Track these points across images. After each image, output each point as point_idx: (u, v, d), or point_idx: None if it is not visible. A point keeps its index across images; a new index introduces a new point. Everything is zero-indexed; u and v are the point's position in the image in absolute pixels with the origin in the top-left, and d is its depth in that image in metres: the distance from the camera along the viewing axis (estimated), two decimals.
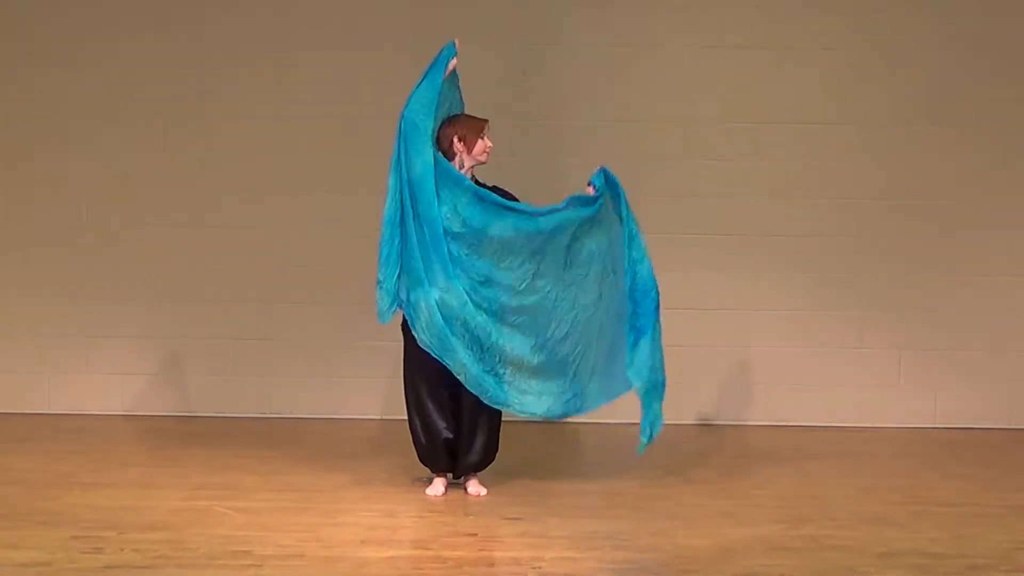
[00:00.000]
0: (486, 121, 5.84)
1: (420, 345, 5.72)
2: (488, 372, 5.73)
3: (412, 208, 5.71)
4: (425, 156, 5.69)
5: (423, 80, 5.74)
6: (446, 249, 5.69)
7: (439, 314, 5.66)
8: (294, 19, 7.82)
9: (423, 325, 5.70)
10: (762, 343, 7.84)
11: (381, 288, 5.75)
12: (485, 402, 5.73)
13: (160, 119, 7.82)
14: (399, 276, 5.75)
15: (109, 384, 7.85)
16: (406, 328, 5.80)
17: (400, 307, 5.78)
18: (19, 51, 7.83)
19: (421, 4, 7.79)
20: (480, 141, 5.81)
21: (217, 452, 6.70)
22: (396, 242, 5.74)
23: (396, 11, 7.80)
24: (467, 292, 5.70)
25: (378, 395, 7.80)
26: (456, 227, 5.71)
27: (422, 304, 5.68)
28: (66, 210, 7.84)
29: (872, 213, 7.81)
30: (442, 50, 5.78)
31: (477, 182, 5.83)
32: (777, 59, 7.79)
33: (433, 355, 5.69)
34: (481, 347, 5.72)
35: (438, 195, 5.70)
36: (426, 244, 5.69)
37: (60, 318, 7.85)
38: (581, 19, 7.78)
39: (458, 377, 5.70)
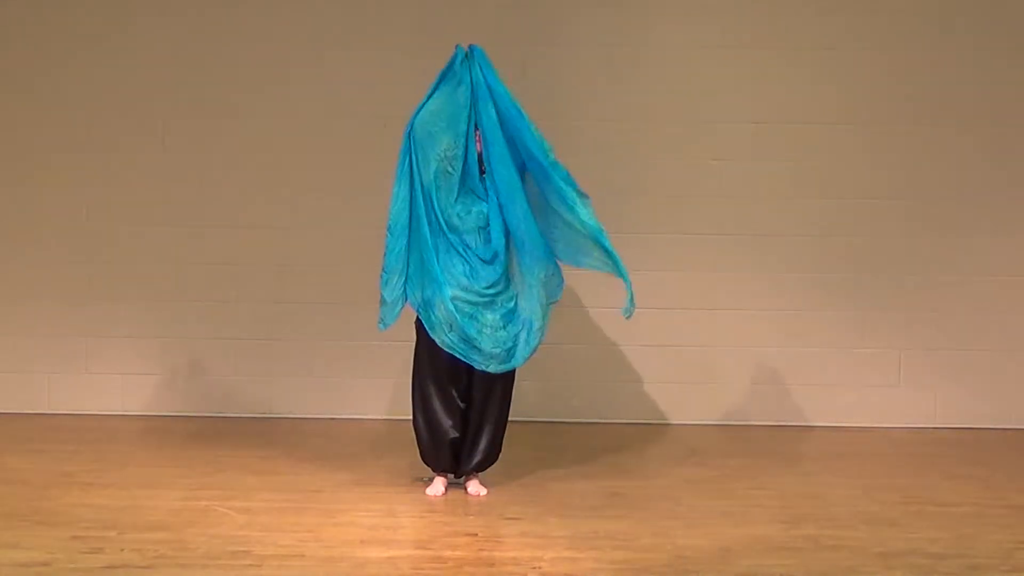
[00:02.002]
0: None
1: (442, 346, 5.75)
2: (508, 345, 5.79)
3: (427, 212, 5.74)
4: (436, 164, 5.74)
5: (434, 90, 5.79)
6: (462, 247, 5.75)
7: (456, 313, 5.69)
8: (294, 19, 7.82)
9: (444, 327, 5.74)
10: (762, 343, 7.84)
11: (383, 298, 5.82)
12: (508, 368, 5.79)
13: (160, 119, 7.82)
14: (406, 282, 5.79)
15: (109, 384, 7.85)
16: (419, 325, 5.83)
17: (415, 308, 5.83)
18: (19, 52, 7.83)
19: (421, 4, 7.80)
20: None
21: (217, 452, 6.70)
22: (402, 250, 5.77)
23: (396, 11, 7.80)
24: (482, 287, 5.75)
25: (379, 395, 7.80)
26: (471, 223, 5.78)
27: (439, 305, 5.72)
28: (66, 210, 7.84)
29: (872, 213, 7.81)
30: (453, 59, 5.80)
31: None
32: (777, 59, 7.79)
33: (457, 355, 5.73)
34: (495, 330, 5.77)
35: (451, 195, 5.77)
36: (440, 246, 5.73)
37: (60, 318, 7.85)
38: (581, 19, 7.78)
39: (486, 369, 5.74)
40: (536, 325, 5.81)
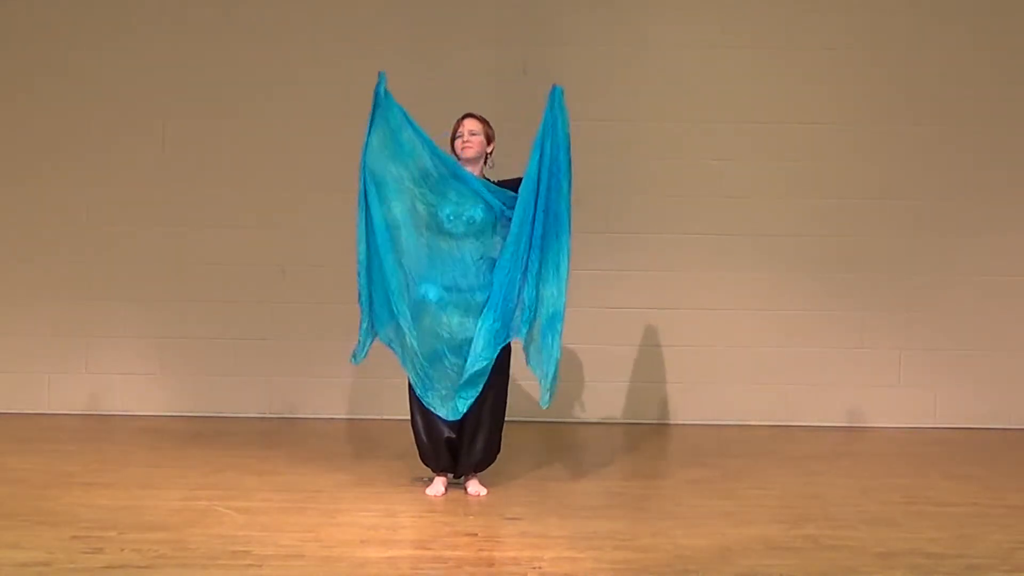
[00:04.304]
0: (459, 119, 5.85)
1: (411, 381, 5.77)
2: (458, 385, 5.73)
3: (394, 252, 5.71)
4: (402, 200, 5.70)
5: (372, 126, 5.68)
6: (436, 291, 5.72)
7: (422, 346, 5.70)
8: (294, 19, 7.82)
9: (408, 361, 5.74)
10: (762, 343, 7.84)
11: (362, 330, 5.78)
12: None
13: (160, 119, 7.83)
14: (372, 316, 5.78)
15: (109, 384, 7.85)
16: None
17: (385, 343, 5.81)
18: (19, 53, 7.83)
19: (422, 4, 7.80)
20: (457, 141, 5.82)
21: (217, 452, 6.70)
22: (364, 285, 5.74)
23: (396, 10, 7.81)
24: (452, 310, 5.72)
25: (377, 395, 7.80)
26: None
27: (407, 341, 5.73)
28: (66, 211, 7.84)
29: (872, 213, 7.81)
30: (376, 89, 5.69)
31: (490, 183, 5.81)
32: (777, 59, 7.79)
33: (417, 393, 5.75)
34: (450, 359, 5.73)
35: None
36: (408, 280, 5.72)
37: (60, 318, 7.85)
38: (581, 19, 7.79)
39: (440, 413, 5.73)
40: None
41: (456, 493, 5.84)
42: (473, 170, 5.78)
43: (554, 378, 5.66)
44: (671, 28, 7.81)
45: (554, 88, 5.70)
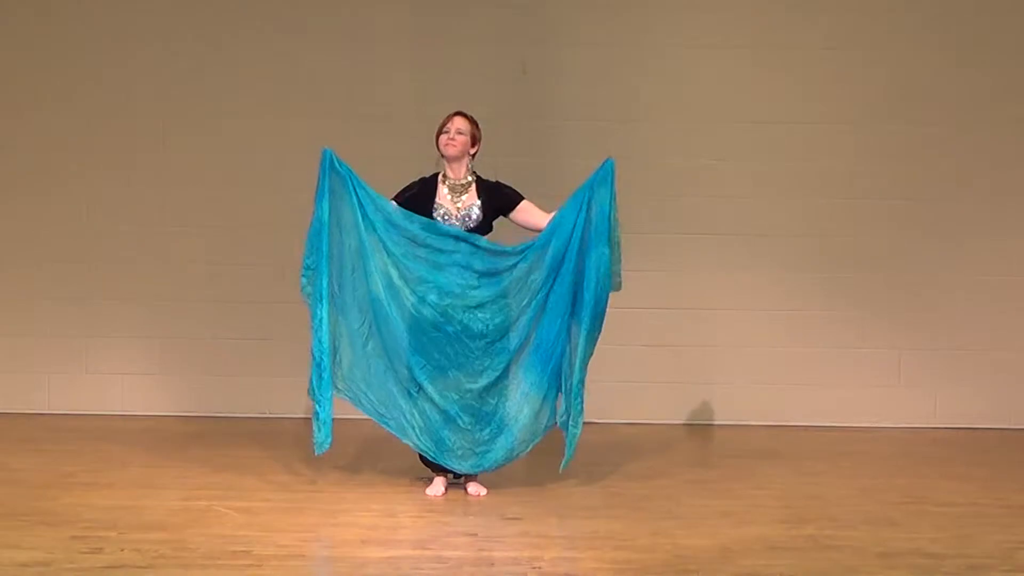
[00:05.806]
0: (449, 116, 5.81)
1: (421, 449, 5.77)
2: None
3: (386, 322, 5.69)
4: (381, 264, 5.70)
5: (325, 212, 5.64)
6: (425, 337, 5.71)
7: (435, 410, 5.70)
8: (294, 19, 7.82)
9: (417, 432, 5.73)
10: (762, 343, 7.84)
11: (319, 419, 5.75)
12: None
13: (160, 119, 7.82)
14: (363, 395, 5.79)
15: (109, 384, 7.85)
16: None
17: (374, 417, 5.84)
18: (19, 51, 7.83)
19: (422, 4, 7.80)
20: (442, 136, 5.78)
21: (217, 452, 6.70)
22: (328, 372, 5.69)
23: (396, 10, 7.81)
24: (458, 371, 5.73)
25: None
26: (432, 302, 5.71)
27: (415, 412, 5.73)
28: (66, 210, 7.84)
29: (872, 213, 7.81)
30: (334, 165, 5.67)
31: (479, 179, 5.80)
32: (777, 59, 7.79)
33: (430, 458, 5.76)
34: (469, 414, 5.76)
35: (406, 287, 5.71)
36: (402, 348, 5.71)
37: (60, 318, 7.85)
38: (581, 19, 7.79)
39: (460, 469, 5.77)
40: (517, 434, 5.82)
41: (456, 493, 5.84)
42: (457, 168, 5.77)
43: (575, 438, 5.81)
44: (671, 28, 7.81)
45: (606, 161, 5.68)
